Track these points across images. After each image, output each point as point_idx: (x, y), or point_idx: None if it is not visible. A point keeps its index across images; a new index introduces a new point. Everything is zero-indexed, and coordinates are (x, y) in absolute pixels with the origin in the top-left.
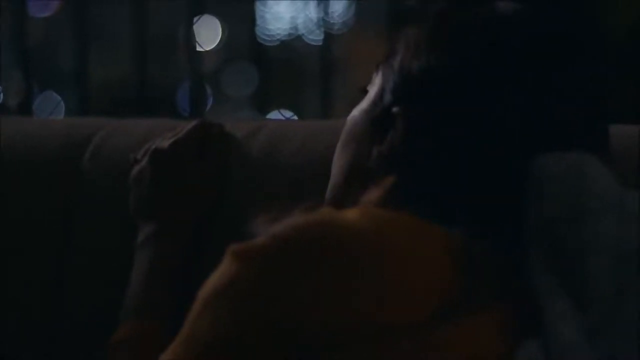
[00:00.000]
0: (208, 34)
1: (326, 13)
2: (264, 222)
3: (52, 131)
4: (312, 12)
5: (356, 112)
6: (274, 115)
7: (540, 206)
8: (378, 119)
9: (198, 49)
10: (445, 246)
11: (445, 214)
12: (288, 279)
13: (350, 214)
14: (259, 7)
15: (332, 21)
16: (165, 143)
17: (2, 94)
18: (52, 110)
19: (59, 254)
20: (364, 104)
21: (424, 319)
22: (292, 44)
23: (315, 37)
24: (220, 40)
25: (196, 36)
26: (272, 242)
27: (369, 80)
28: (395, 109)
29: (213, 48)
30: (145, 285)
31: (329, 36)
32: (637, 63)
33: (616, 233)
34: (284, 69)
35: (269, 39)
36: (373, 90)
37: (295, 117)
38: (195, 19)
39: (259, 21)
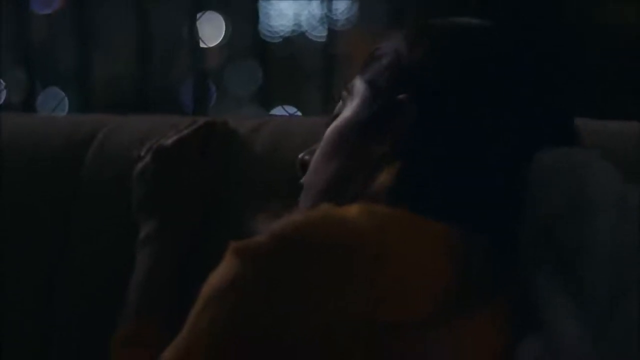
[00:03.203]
0: (211, 30)
1: (329, 10)
2: (266, 218)
3: (56, 128)
4: (316, 9)
5: (338, 122)
6: (278, 111)
7: (539, 202)
8: (376, 116)
9: (201, 45)
10: (446, 243)
11: (445, 209)
12: (288, 277)
13: (350, 211)
14: (262, 4)
15: (335, 18)
16: (168, 141)
17: (5, 91)
18: (56, 106)
19: (60, 250)
20: (347, 114)
21: (424, 317)
22: (296, 40)
23: (319, 34)
24: (223, 37)
25: (199, 33)
26: (272, 240)
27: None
28: (401, 96)
29: (216, 45)
30: (146, 283)
31: (332, 33)
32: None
33: (615, 230)
34: (287, 66)
35: (273, 35)
36: (355, 100)
37: (299, 113)
38: (198, 16)
39: (262, 18)
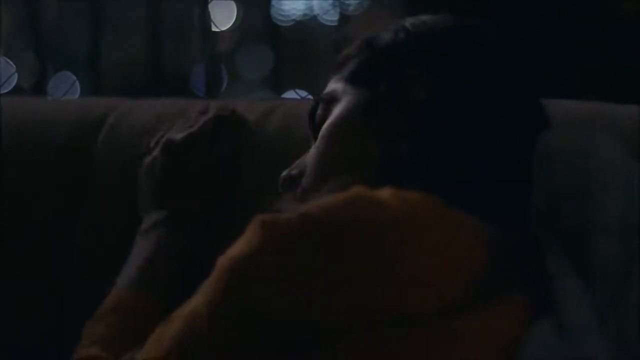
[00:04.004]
0: (223, 14)
1: None
2: (292, 199)
3: (67, 111)
4: None
5: (332, 120)
6: (290, 94)
7: (547, 183)
8: (377, 99)
9: (213, 29)
10: (475, 233)
11: (461, 195)
12: (314, 260)
13: (382, 195)
14: None
15: (347, 1)
16: (178, 135)
17: (16, 75)
18: (67, 90)
19: (71, 234)
20: (338, 111)
21: (450, 307)
22: (307, 24)
23: (330, 18)
24: (235, 21)
25: (211, 16)
26: (301, 219)
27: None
28: (409, 71)
29: (228, 28)
30: (149, 263)
31: (343, 17)
32: None
33: (623, 209)
34: (298, 50)
35: (284, 19)
36: (343, 98)
37: (311, 97)
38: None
39: (273, 1)
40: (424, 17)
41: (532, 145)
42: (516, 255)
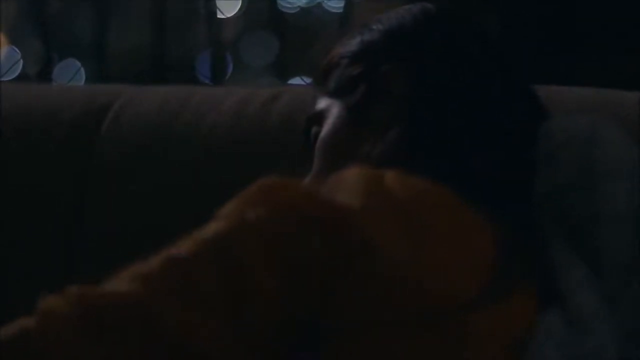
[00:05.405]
0: (228, 1)
1: None
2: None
3: (71, 98)
4: None
5: (324, 133)
6: (296, 81)
7: (550, 173)
8: (364, 100)
9: (218, 16)
10: (483, 226)
11: (463, 189)
12: (324, 247)
13: (387, 176)
14: None
15: None
16: None
17: (21, 62)
18: (72, 77)
19: (74, 221)
20: (329, 125)
21: (457, 304)
22: (312, 11)
23: (336, 5)
24: (240, 8)
25: (216, 3)
26: (308, 196)
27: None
28: (385, 67)
29: (233, 15)
30: None
31: (349, 4)
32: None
33: (629, 196)
34: (304, 37)
35: (289, 6)
36: (331, 112)
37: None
38: None
39: None
40: (392, 12)
41: (533, 135)
42: (522, 249)
